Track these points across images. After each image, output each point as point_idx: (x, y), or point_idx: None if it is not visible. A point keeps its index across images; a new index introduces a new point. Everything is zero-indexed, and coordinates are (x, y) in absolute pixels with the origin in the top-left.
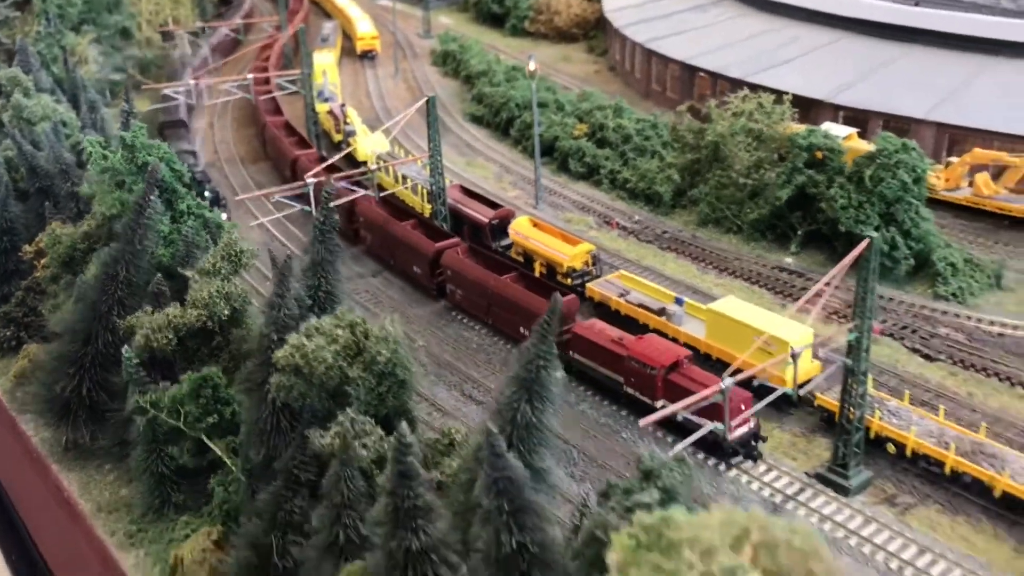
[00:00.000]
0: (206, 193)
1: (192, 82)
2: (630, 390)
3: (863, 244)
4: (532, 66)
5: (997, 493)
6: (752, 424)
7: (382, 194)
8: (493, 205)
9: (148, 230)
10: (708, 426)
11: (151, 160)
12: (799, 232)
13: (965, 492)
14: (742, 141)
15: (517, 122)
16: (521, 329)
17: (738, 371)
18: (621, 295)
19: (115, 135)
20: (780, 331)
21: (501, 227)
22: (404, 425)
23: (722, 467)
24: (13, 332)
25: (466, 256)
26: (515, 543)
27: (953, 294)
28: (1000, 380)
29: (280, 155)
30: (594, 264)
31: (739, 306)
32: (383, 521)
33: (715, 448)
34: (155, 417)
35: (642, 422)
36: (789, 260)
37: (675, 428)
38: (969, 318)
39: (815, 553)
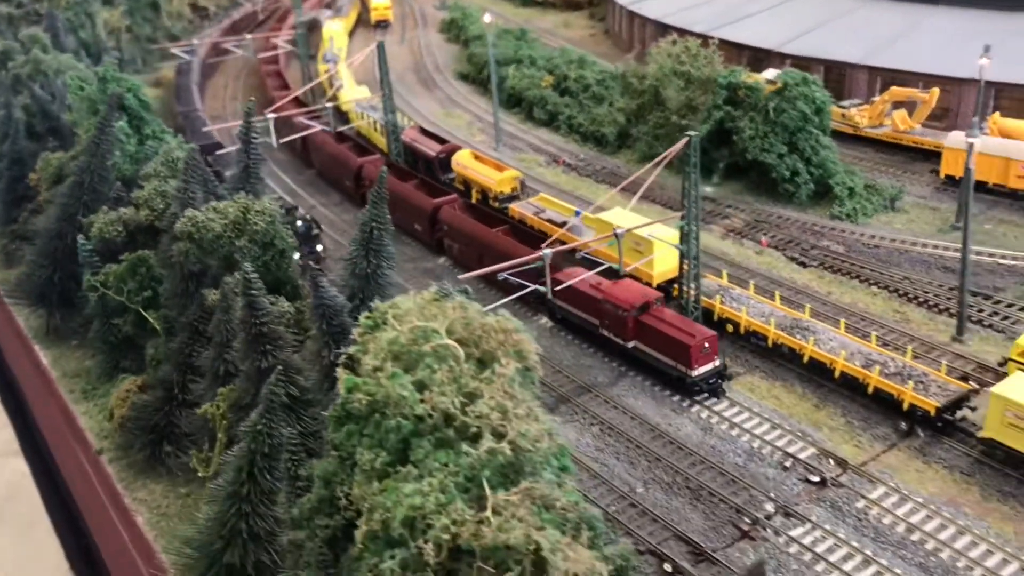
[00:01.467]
0: (298, 223)
1: (196, 42)
2: (605, 332)
3: (682, 142)
4: (487, 19)
5: (805, 359)
6: (717, 362)
7: (339, 129)
8: (443, 142)
9: (110, 145)
10: (532, 287)
11: (117, 89)
12: (720, 164)
13: (783, 361)
14: (674, 83)
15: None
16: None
17: (559, 242)
18: (536, 213)
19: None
20: (638, 229)
21: (448, 161)
22: (248, 265)
23: (686, 403)
24: (19, 245)
25: (462, 211)
26: (332, 356)
27: (847, 215)
28: (860, 281)
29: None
30: (521, 189)
31: (621, 215)
32: (241, 348)
33: (680, 385)
34: (104, 295)
35: (460, 276)
36: (709, 189)
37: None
38: (852, 233)
39: (509, 329)
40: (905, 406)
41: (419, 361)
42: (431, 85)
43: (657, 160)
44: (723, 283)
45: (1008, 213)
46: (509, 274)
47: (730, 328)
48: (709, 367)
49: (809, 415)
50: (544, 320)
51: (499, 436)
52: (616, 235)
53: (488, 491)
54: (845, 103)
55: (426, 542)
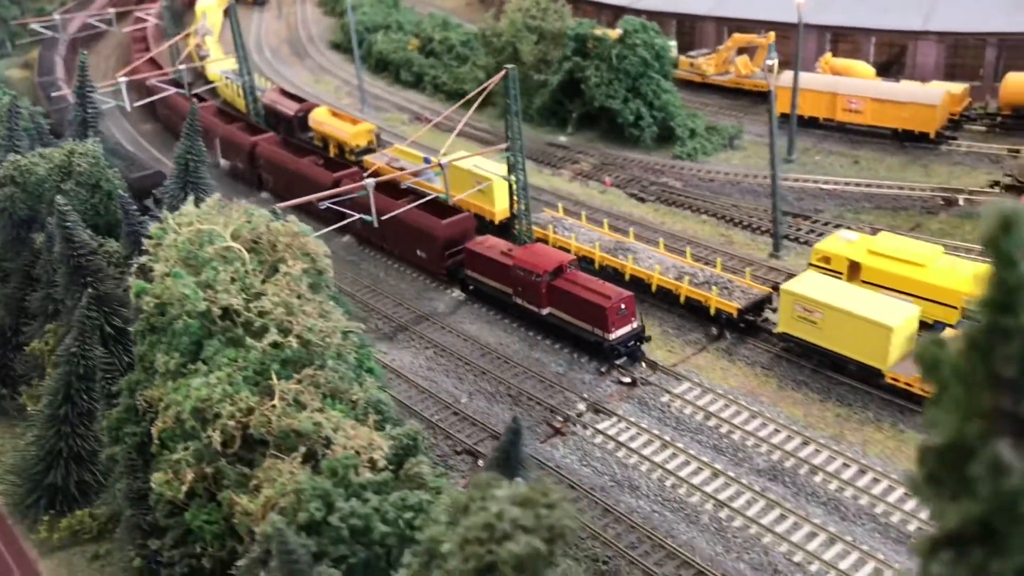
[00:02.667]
0: None
1: (57, 17)
2: (519, 300)
3: (501, 74)
4: None
5: (627, 276)
6: (635, 324)
7: (194, 92)
8: (301, 101)
9: None
10: (356, 216)
11: None
12: (573, 115)
13: (608, 280)
14: (528, 38)
15: (364, 43)
16: (418, 252)
17: (376, 174)
18: (389, 163)
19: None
20: (482, 169)
21: (306, 119)
22: (61, 198)
23: (604, 369)
24: None
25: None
26: None
27: (688, 154)
28: (692, 211)
29: None
30: (377, 142)
31: (470, 160)
32: (63, 282)
33: (597, 350)
34: None
35: (279, 206)
36: (563, 139)
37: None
38: (691, 170)
39: (296, 232)
40: (712, 311)
41: (206, 265)
42: (303, 55)
43: (476, 92)
44: (558, 215)
45: (836, 144)
46: (337, 207)
47: None
48: (627, 329)
49: None
50: (455, 292)
51: (285, 331)
52: (440, 166)
53: (274, 380)
54: (693, 53)
55: (215, 431)
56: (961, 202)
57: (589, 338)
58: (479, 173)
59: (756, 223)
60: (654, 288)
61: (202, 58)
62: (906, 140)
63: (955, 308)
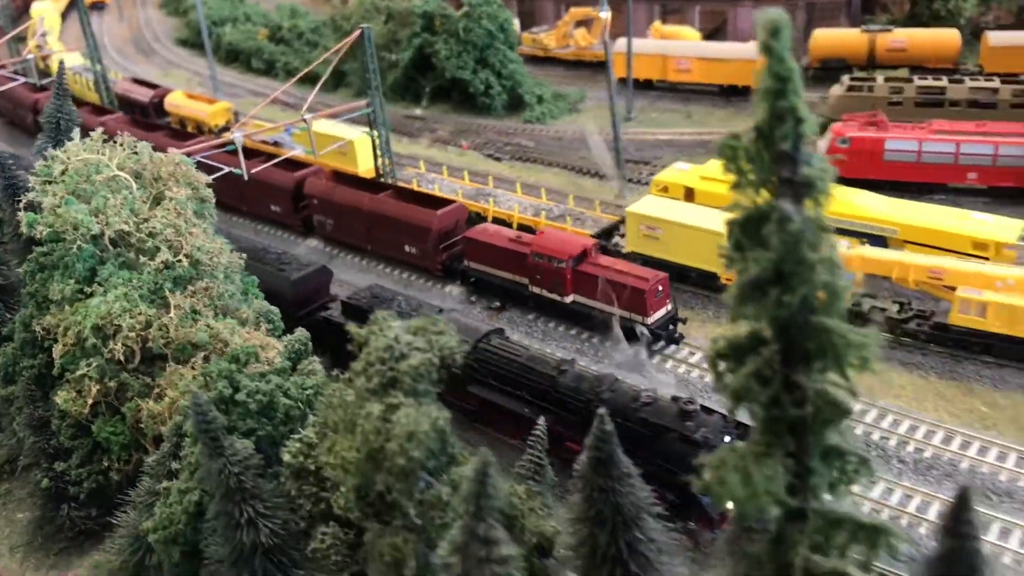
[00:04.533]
0: None
1: None
2: (536, 289)
3: (356, 33)
4: None
5: (490, 218)
6: (670, 306)
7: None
8: (154, 87)
9: None
10: (226, 169)
11: None
12: (427, 88)
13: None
14: (377, 19)
15: (212, 36)
16: (406, 247)
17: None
18: (250, 136)
19: None
20: (341, 133)
21: (162, 104)
22: None
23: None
24: None
25: (333, 181)
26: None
27: (537, 118)
28: (544, 165)
29: None
30: (235, 120)
31: (327, 125)
32: None
33: (633, 336)
34: None
35: None
36: (419, 111)
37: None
38: (542, 131)
39: (178, 161)
40: None
41: (95, 194)
42: (150, 52)
43: (327, 55)
44: (420, 171)
45: (670, 102)
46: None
47: None
48: (663, 312)
49: None
50: (452, 289)
51: (175, 251)
52: (304, 120)
53: (168, 293)
54: (536, 29)
55: (116, 344)
56: None
57: (626, 325)
58: (341, 135)
59: (603, 172)
60: (515, 225)
61: (44, 57)
62: (731, 94)
63: None
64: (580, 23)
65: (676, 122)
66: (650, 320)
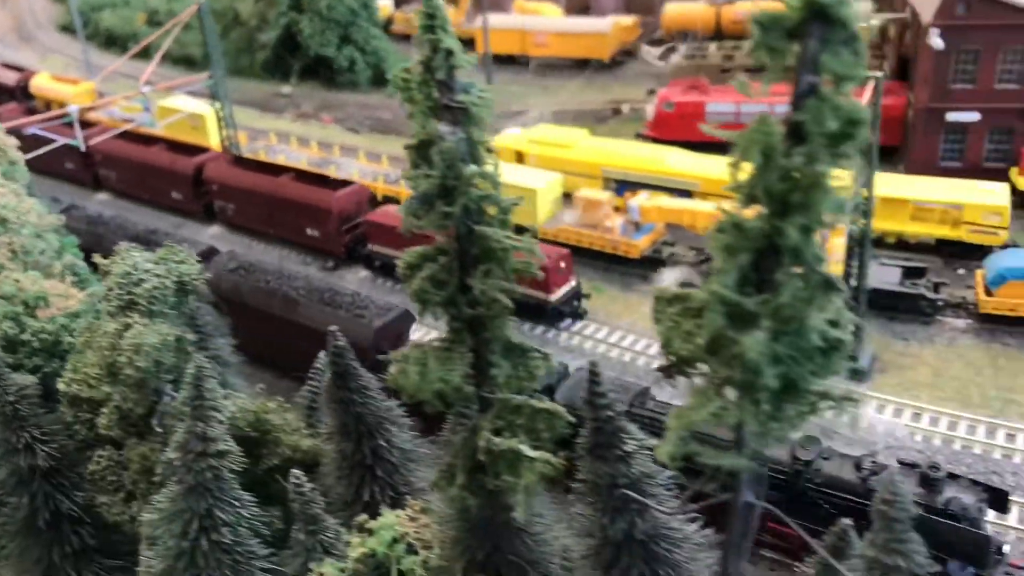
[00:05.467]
0: None
1: None
2: None
3: (193, 8)
4: None
5: None
6: (573, 282)
7: None
8: (21, 71)
9: None
10: (61, 140)
11: None
12: (294, 66)
13: None
14: (246, 0)
15: (91, 22)
16: (308, 230)
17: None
18: (109, 115)
19: None
20: (189, 107)
21: (27, 87)
22: None
23: (551, 334)
24: None
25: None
26: None
27: None
28: (398, 135)
29: None
30: (100, 99)
31: (182, 101)
32: None
33: (540, 313)
34: None
35: None
36: (287, 89)
37: None
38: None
39: None
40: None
41: None
42: (31, 39)
43: (166, 28)
44: (270, 143)
45: (530, 76)
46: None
47: None
48: (567, 289)
49: None
50: (362, 272)
51: None
52: (143, 92)
53: None
54: (408, 8)
55: None
56: (625, 110)
57: (528, 302)
58: (187, 109)
59: None
60: (380, 197)
61: None
62: (586, 66)
63: (595, 178)
64: (449, 0)
65: (533, 94)
66: (553, 297)
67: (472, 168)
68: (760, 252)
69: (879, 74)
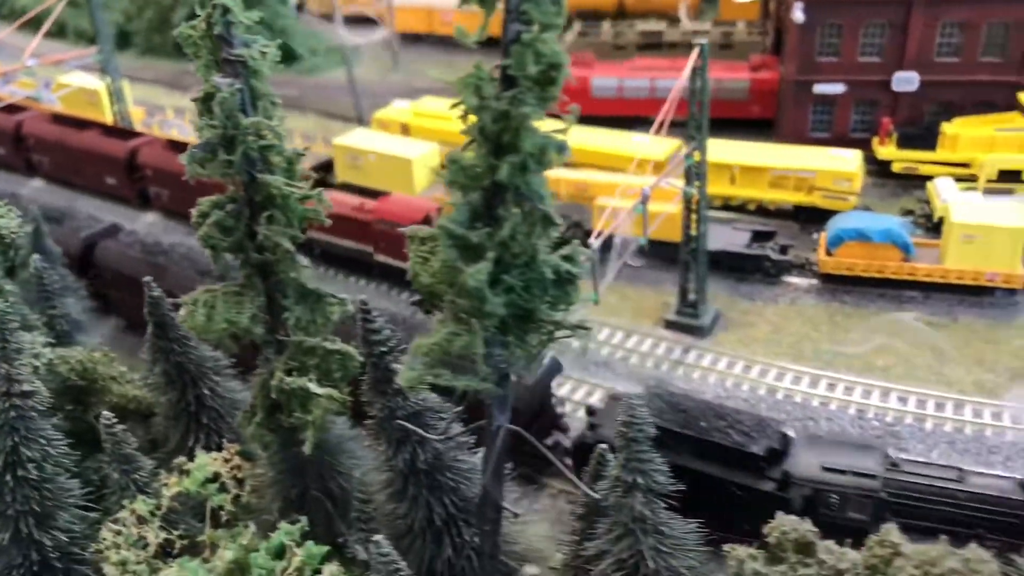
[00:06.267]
0: None
1: None
2: (382, 257)
3: None
4: None
5: None
6: None
7: None
8: None
9: None
10: None
11: None
12: None
13: None
14: None
15: (5, 4)
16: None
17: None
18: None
19: None
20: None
21: None
22: None
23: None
24: None
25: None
26: None
27: (308, 70)
28: (300, 110)
29: None
30: None
31: (81, 78)
32: None
33: None
34: None
35: None
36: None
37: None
38: (309, 81)
39: None
40: None
41: None
42: None
43: (51, 2)
44: (167, 117)
45: (437, 54)
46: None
47: None
48: None
49: None
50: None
51: None
52: (28, 66)
53: None
54: None
55: None
56: None
57: None
58: (82, 85)
59: (350, 115)
60: None
61: None
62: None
63: None
64: None
65: (439, 71)
66: None
67: (251, 119)
68: (487, 191)
69: (703, 41)
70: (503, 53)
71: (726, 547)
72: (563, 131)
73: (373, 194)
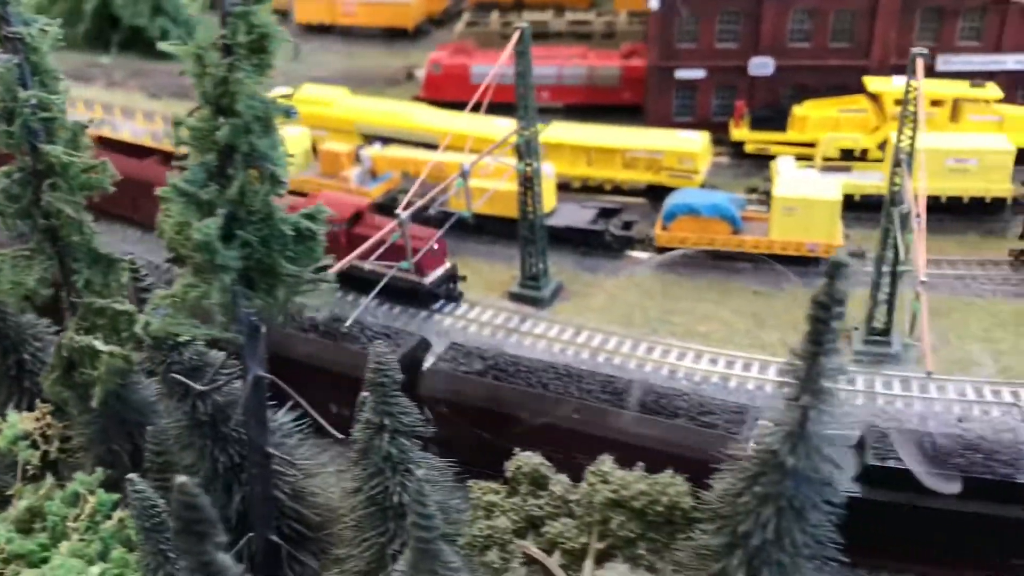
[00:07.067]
0: None
1: None
2: None
3: None
4: None
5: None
6: (448, 264)
7: None
8: None
9: None
10: None
11: None
12: (113, 38)
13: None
14: None
15: None
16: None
17: None
18: None
19: None
20: None
21: None
22: None
23: (424, 314)
24: None
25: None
26: None
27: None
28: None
29: None
30: None
31: None
32: None
33: (414, 296)
34: None
35: None
36: (105, 60)
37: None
38: None
39: None
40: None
41: None
42: None
43: None
44: (94, 116)
45: (338, 44)
46: None
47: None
48: (441, 271)
49: None
50: None
51: None
52: None
53: None
54: None
55: None
56: (418, 74)
57: (402, 285)
58: None
59: None
60: None
61: None
62: (393, 36)
63: (352, 133)
64: None
65: (339, 61)
66: (427, 280)
67: (30, 92)
68: (222, 152)
69: (524, 25)
70: (221, 24)
71: (470, 482)
72: (287, 97)
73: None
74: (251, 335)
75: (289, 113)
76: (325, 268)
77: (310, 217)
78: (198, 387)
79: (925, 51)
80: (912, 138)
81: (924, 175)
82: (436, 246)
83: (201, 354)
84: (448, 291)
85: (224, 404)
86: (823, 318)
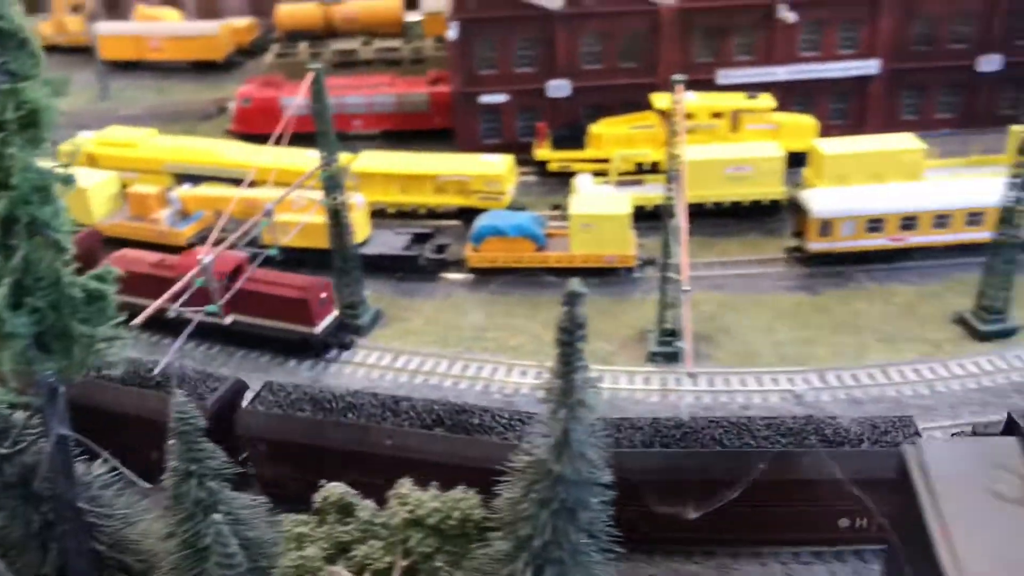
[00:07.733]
0: None
1: None
2: (187, 313)
3: None
4: None
5: None
6: (336, 312)
7: None
8: None
9: None
10: None
11: None
12: None
13: None
14: None
15: None
16: None
17: None
18: None
19: None
20: None
21: None
22: None
23: (321, 366)
24: None
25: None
26: None
27: None
28: None
29: None
30: None
31: None
32: None
33: (306, 346)
34: None
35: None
36: None
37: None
38: None
39: None
40: None
41: None
42: None
43: None
44: None
45: (148, 80)
46: None
47: None
48: (330, 319)
49: None
50: None
51: None
52: None
53: None
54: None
55: None
56: (231, 107)
57: (292, 337)
58: None
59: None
60: None
61: None
62: (203, 68)
63: (160, 174)
64: (73, 10)
65: (148, 98)
66: (318, 329)
67: None
68: (4, 223)
69: (319, 66)
70: None
71: (281, 516)
72: (66, 166)
73: (174, 249)
74: (50, 396)
75: (68, 180)
76: (124, 323)
77: (100, 279)
78: (1, 450)
79: (684, 77)
80: (677, 155)
81: (688, 188)
82: (324, 295)
83: (3, 417)
84: (340, 339)
85: (33, 464)
86: (568, 341)
